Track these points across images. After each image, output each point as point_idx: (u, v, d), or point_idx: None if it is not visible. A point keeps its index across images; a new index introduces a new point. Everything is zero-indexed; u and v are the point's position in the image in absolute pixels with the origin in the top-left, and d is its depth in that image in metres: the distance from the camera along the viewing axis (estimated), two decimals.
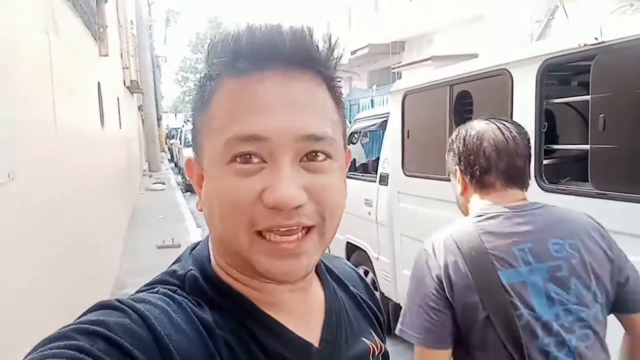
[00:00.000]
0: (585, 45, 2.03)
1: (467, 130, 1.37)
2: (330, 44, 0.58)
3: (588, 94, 2.10)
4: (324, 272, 0.73)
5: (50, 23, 2.82)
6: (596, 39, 1.96)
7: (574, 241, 1.24)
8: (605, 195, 2.02)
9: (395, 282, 3.86)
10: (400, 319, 1.31)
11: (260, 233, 0.55)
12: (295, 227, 0.54)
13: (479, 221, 1.28)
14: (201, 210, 0.62)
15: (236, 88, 0.55)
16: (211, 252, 0.64)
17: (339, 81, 0.62)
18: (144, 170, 16.69)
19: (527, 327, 1.17)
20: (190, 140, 0.66)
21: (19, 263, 2.03)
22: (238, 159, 0.54)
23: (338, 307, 0.70)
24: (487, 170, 1.31)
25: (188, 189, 13.30)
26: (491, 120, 1.37)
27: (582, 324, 1.19)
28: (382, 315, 0.82)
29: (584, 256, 1.23)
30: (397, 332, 1.30)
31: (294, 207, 0.53)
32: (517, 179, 1.33)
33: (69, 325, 0.49)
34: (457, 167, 1.40)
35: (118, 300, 0.54)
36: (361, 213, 4.23)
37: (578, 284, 1.20)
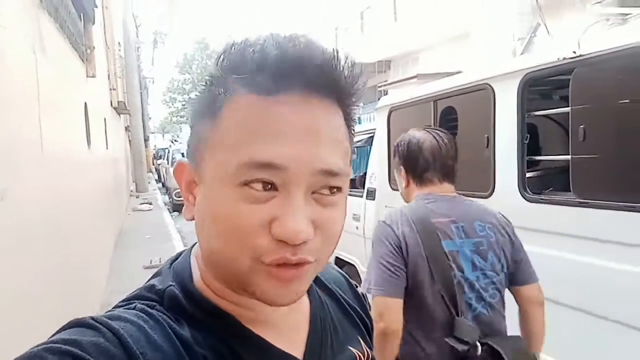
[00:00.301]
0: (564, 58, 2.09)
1: (409, 138, 1.74)
2: (352, 70, 0.55)
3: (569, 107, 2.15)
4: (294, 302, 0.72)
5: (37, 43, 2.83)
6: (574, 52, 2.02)
7: (491, 225, 1.66)
8: (586, 204, 2.06)
9: None
10: (364, 280, 1.61)
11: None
12: (297, 264, 0.53)
13: (426, 203, 1.67)
14: (192, 219, 0.59)
15: (254, 105, 0.52)
16: (193, 267, 0.62)
17: (355, 108, 0.59)
18: (131, 191, 16.57)
19: (458, 284, 1.57)
20: (187, 145, 0.62)
21: (2, 284, 2.01)
22: (251, 185, 0.51)
23: (323, 316, 0.69)
24: (427, 169, 1.71)
25: (175, 209, 13.21)
26: (427, 129, 1.77)
27: (493, 286, 1.62)
28: (369, 321, 0.81)
29: (497, 237, 1.65)
30: (362, 291, 1.45)
31: (301, 242, 0.51)
32: (449, 175, 1.73)
33: (40, 345, 0.48)
34: (401, 167, 1.77)
35: (92, 318, 0.52)
36: (349, 228, 4.25)
37: (493, 257, 1.62)
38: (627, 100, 1.86)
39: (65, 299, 3.16)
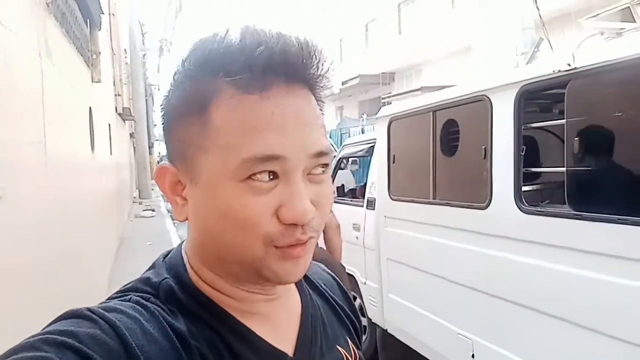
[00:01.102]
0: (559, 71, 2.12)
1: None
2: (322, 56, 0.59)
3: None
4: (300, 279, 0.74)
5: (44, 47, 2.88)
6: (569, 65, 2.05)
7: None
8: (581, 216, 2.07)
9: (382, 307, 3.86)
10: None
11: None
12: (306, 241, 0.57)
13: None
14: (184, 220, 0.61)
15: (245, 103, 0.54)
16: (186, 261, 0.64)
17: (324, 90, 0.62)
18: (134, 197, 16.62)
19: None
20: (167, 147, 0.62)
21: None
22: (254, 177, 0.54)
23: (314, 315, 0.71)
24: None
25: None
26: None
27: None
28: (358, 322, 0.82)
29: None
30: None
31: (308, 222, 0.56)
32: None
33: (36, 335, 0.48)
34: None
35: (88, 309, 0.52)
36: (349, 238, 4.25)
37: None
38: (621, 113, 1.88)
39: (65, 303, 3.18)
